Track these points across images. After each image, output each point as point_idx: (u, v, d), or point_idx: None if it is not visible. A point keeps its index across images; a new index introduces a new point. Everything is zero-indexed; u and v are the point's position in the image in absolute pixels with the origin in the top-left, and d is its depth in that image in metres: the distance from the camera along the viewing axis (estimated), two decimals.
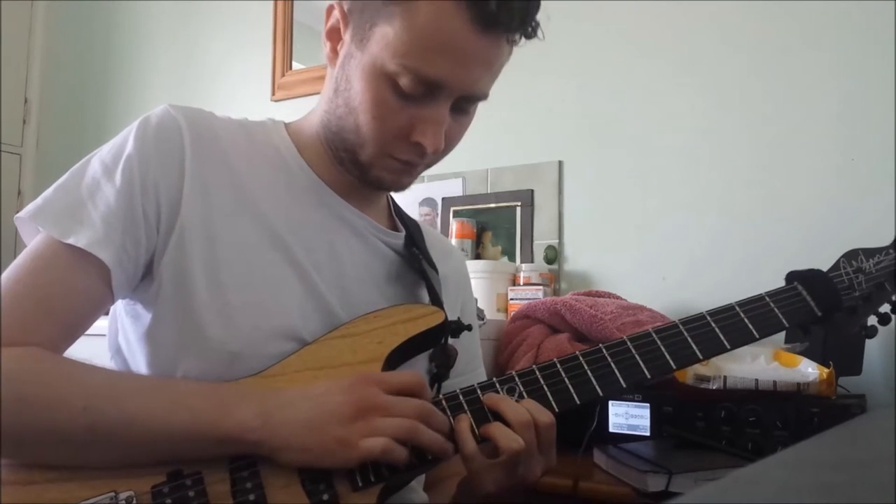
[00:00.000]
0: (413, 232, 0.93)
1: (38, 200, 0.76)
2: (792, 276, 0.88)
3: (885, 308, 0.89)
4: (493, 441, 0.72)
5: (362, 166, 0.82)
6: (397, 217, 0.95)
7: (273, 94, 2.36)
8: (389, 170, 0.82)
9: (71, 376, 0.70)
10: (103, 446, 0.69)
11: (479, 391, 0.77)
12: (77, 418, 0.67)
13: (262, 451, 0.70)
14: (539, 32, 0.79)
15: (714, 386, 1.15)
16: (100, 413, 0.68)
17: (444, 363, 0.86)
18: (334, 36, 0.82)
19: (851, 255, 0.89)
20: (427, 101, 0.77)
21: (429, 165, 0.84)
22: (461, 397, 0.76)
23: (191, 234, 0.77)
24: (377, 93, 0.77)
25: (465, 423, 0.73)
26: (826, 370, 1.13)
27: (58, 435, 0.68)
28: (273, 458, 0.70)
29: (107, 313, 0.84)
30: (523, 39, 0.79)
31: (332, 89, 0.83)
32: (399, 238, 0.91)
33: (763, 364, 1.17)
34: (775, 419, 1.11)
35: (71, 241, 0.72)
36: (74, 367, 0.71)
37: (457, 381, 0.88)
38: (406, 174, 0.83)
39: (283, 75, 2.36)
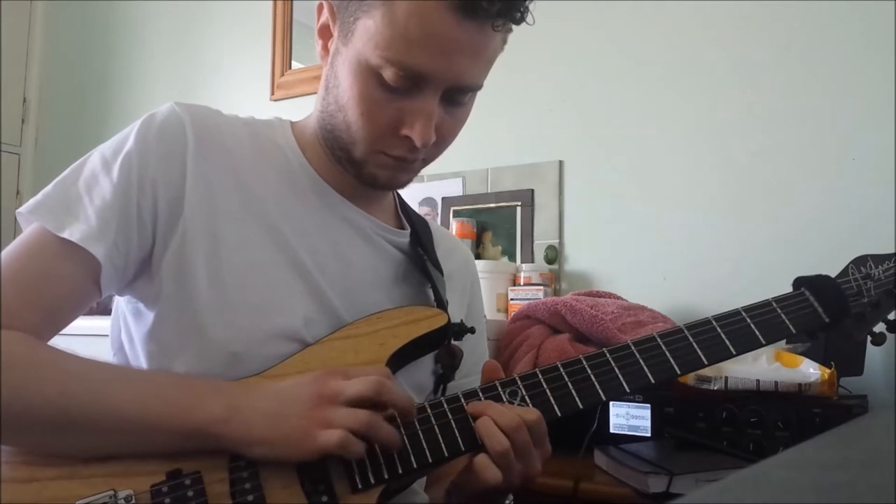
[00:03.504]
0: (419, 230, 0.92)
1: (38, 196, 0.77)
2: (799, 282, 0.86)
3: (894, 315, 0.89)
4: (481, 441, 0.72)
5: (357, 164, 0.81)
6: (404, 214, 0.94)
7: (272, 93, 2.36)
8: (383, 167, 0.80)
9: (49, 361, 0.70)
10: (77, 432, 0.69)
11: (480, 394, 0.76)
12: (51, 401, 0.67)
13: (227, 444, 0.69)
14: (529, 17, 0.76)
15: (715, 386, 1.14)
16: (74, 398, 0.68)
17: (448, 364, 0.85)
18: (325, 33, 0.82)
19: (860, 262, 0.88)
20: (414, 94, 0.75)
21: (427, 161, 0.83)
22: (462, 400, 0.76)
23: (193, 233, 0.76)
24: (363, 88, 0.76)
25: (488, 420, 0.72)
26: (828, 371, 1.13)
27: (31, 417, 0.68)
28: (242, 452, 0.69)
29: (109, 312, 0.84)
30: (516, 26, 0.76)
31: (323, 87, 0.82)
32: (404, 237, 0.90)
33: (764, 365, 1.17)
34: (777, 420, 1.11)
35: (65, 234, 0.73)
36: (53, 353, 0.71)
37: (463, 382, 0.88)
38: (401, 171, 0.81)
39: (282, 75, 2.36)
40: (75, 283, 0.74)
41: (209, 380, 0.73)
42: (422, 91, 0.75)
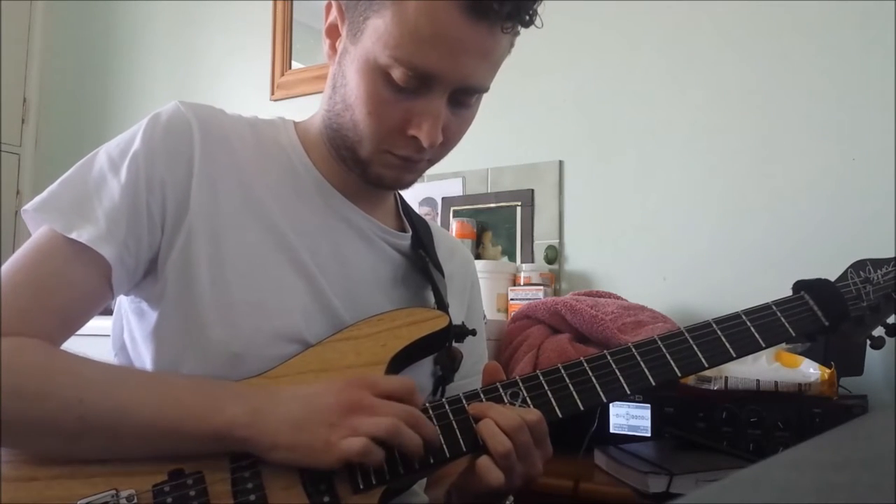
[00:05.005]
0: (420, 231, 0.92)
1: (44, 194, 0.76)
2: (799, 286, 0.86)
3: (893, 319, 0.89)
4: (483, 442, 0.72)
5: (362, 163, 0.81)
6: (405, 216, 0.94)
7: (272, 93, 2.36)
8: (389, 166, 0.81)
9: (66, 368, 0.70)
10: (94, 438, 0.68)
11: (482, 395, 0.76)
12: (70, 409, 0.67)
13: (250, 448, 0.69)
14: (538, 20, 0.76)
15: (715, 386, 1.15)
16: (92, 404, 0.68)
17: (448, 366, 0.86)
18: (333, 33, 0.82)
19: (859, 266, 0.88)
20: (422, 94, 0.76)
21: (432, 162, 0.83)
22: (464, 401, 0.76)
23: (197, 232, 0.77)
24: (371, 87, 0.76)
25: (491, 423, 0.72)
26: (827, 371, 1.13)
27: (50, 425, 0.68)
28: (262, 456, 0.69)
29: (110, 312, 0.84)
30: (523, 28, 0.77)
31: (330, 87, 0.82)
32: (405, 239, 0.90)
33: (764, 365, 1.18)
34: (777, 420, 1.11)
35: (74, 236, 0.73)
36: (69, 359, 0.71)
37: (462, 383, 0.88)
38: (407, 171, 0.82)
39: (282, 75, 2.36)
40: (87, 286, 0.74)
41: (226, 384, 0.73)
42: (430, 91, 0.75)
